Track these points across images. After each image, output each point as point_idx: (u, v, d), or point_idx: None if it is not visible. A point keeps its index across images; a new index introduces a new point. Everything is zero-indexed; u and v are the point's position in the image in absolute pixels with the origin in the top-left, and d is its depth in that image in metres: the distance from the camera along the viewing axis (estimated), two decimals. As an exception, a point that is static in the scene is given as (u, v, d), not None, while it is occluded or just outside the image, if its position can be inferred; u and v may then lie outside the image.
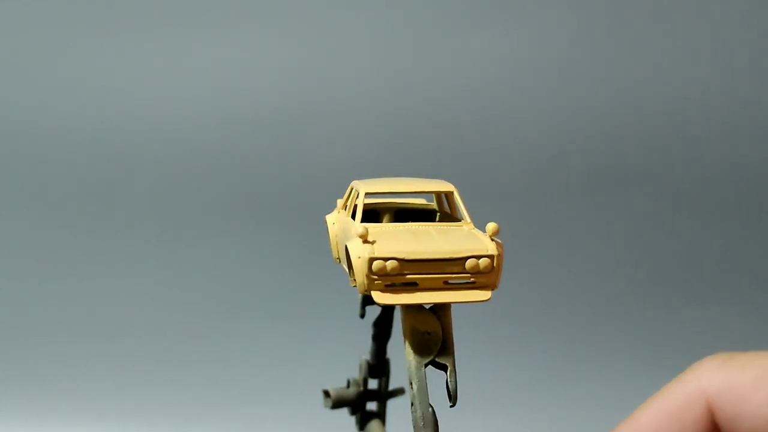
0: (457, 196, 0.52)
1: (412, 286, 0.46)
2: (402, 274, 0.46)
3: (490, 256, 0.46)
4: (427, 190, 0.55)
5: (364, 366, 0.69)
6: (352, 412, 0.70)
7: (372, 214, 0.56)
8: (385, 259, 0.46)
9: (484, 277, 0.46)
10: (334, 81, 1.56)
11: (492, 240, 0.47)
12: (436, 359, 0.47)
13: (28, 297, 1.31)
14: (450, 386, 0.47)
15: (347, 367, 1.19)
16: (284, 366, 1.21)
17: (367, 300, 0.49)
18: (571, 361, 1.13)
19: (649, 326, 1.28)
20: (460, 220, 0.52)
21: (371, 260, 0.46)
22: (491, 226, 0.47)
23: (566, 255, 1.40)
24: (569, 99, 1.56)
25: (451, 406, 0.48)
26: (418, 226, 0.50)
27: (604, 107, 1.55)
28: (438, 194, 0.56)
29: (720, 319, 1.29)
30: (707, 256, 1.41)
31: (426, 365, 0.47)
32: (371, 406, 0.70)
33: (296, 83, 1.57)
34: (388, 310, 0.60)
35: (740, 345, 1.26)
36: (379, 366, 0.68)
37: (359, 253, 0.46)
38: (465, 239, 0.47)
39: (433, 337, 0.47)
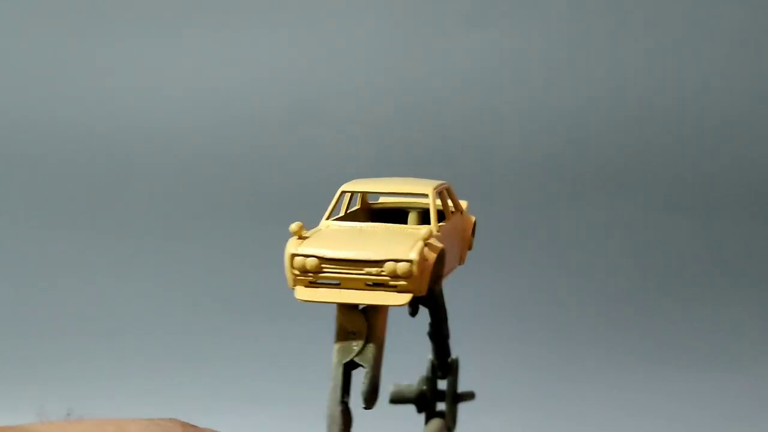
0: (430, 199, 0.52)
1: (335, 285, 0.47)
2: (322, 271, 0.47)
3: (410, 261, 0.45)
4: (406, 191, 0.54)
5: (429, 365, 0.67)
6: (418, 410, 0.67)
7: (400, 213, 0.58)
8: (306, 256, 0.47)
9: (404, 281, 0.46)
10: (330, 81, 1.57)
11: (425, 245, 0.46)
12: (355, 359, 0.47)
13: (25, 295, 1.32)
14: (362, 388, 0.48)
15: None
16: (284, 366, 1.21)
17: (416, 299, 0.50)
18: (569, 361, 1.13)
19: (648, 325, 1.28)
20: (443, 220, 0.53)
21: (293, 256, 0.47)
22: (423, 231, 0.47)
23: (564, 254, 1.40)
24: (565, 98, 1.56)
25: (364, 408, 0.48)
26: (372, 226, 0.51)
27: (601, 107, 1.55)
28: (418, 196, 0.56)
29: (719, 318, 1.29)
30: (705, 256, 1.41)
31: (346, 365, 0.48)
32: (442, 406, 0.68)
33: (295, 83, 1.57)
34: (433, 309, 0.59)
35: (738, 344, 1.27)
36: (442, 366, 0.66)
37: (286, 249, 0.48)
38: (395, 242, 0.47)
39: (357, 337, 0.47)
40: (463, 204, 0.61)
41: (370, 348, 0.48)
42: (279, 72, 1.58)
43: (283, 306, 1.29)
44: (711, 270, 1.39)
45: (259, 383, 1.15)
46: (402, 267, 0.46)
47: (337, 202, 0.54)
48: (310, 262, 0.47)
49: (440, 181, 0.55)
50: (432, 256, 0.47)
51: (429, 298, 0.54)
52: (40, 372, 1.12)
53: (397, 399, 0.65)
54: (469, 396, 0.69)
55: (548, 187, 1.49)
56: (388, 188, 0.55)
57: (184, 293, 1.29)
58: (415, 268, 0.45)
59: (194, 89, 1.58)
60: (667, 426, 1.05)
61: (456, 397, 0.68)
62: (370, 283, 0.46)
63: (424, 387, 0.66)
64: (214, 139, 1.53)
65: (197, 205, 1.45)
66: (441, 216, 0.55)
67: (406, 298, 0.46)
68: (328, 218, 0.53)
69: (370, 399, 0.48)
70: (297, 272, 0.48)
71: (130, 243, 1.41)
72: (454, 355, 0.67)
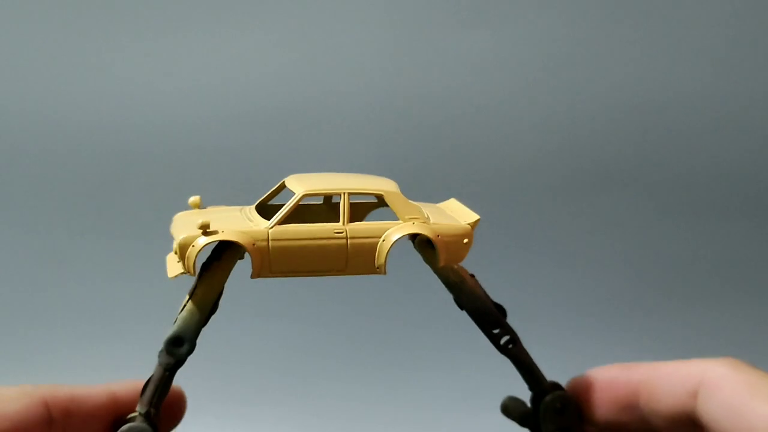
0: (294, 199, 0.56)
1: None
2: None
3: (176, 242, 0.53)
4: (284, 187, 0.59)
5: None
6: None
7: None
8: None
9: (180, 258, 0.53)
10: (328, 81, 1.56)
11: (206, 233, 0.53)
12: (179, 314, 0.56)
13: (27, 294, 1.31)
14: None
15: (338, 367, 1.19)
16: (283, 364, 1.20)
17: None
18: (567, 360, 1.13)
19: (646, 325, 1.28)
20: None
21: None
22: (199, 222, 0.53)
23: (561, 253, 1.40)
24: (562, 99, 1.56)
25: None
26: (249, 215, 0.57)
27: (599, 108, 1.55)
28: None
29: (718, 318, 1.29)
30: (701, 256, 1.41)
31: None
32: None
33: (292, 83, 1.57)
34: (470, 314, 0.60)
35: (736, 344, 1.25)
36: (531, 389, 0.62)
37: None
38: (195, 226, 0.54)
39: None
40: (469, 218, 0.60)
41: (186, 307, 0.56)
42: (278, 71, 1.58)
43: (280, 304, 1.29)
44: (709, 270, 1.39)
45: (257, 383, 1.15)
46: (174, 245, 0.53)
47: (275, 191, 0.59)
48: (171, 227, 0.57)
49: (350, 188, 0.57)
50: (198, 244, 0.52)
51: (459, 301, 0.57)
52: (36, 366, 1.12)
53: (505, 412, 0.64)
54: None
55: (545, 187, 1.49)
56: (299, 189, 0.57)
57: (180, 291, 1.29)
58: (177, 249, 0.53)
59: (192, 88, 1.58)
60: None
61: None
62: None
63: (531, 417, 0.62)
64: (212, 137, 1.53)
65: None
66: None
67: (175, 272, 0.54)
68: (258, 203, 0.59)
69: (166, 346, 0.55)
70: None
71: (128, 238, 1.42)
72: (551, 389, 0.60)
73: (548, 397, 0.60)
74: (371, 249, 0.55)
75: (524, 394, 0.61)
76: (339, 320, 1.27)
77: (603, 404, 0.55)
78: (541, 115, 1.55)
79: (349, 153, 1.48)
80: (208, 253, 0.54)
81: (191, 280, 0.55)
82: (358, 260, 0.55)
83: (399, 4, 1.59)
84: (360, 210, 0.59)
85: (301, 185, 0.56)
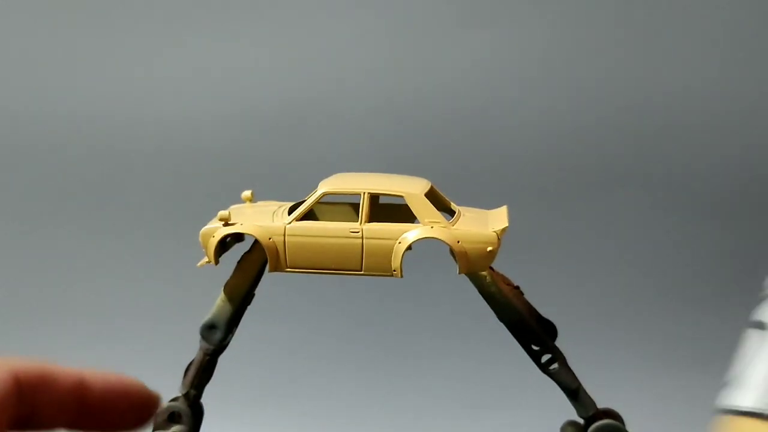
0: (311, 198, 0.58)
1: None
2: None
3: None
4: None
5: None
6: None
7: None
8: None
9: None
10: (328, 81, 1.57)
11: (226, 224, 0.56)
12: None
13: (23, 289, 1.32)
14: None
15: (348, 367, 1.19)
16: (283, 365, 1.21)
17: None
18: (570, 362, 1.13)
19: (648, 327, 1.28)
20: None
21: None
22: (219, 214, 0.57)
23: (563, 254, 1.40)
24: (563, 99, 1.56)
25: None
26: (280, 210, 0.60)
27: (599, 108, 1.56)
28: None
29: (719, 319, 1.29)
30: (705, 256, 1.41)
31: None
32: None
33: (294, 82, 1.58)
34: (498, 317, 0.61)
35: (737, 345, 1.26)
36: (576, 408, 0.63)
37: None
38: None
39: None
40: (499, 225, 0.59)
41: (220, 296, 0.60)
42: (278, 71, 1.59)
43: (280, 303, 1.29)
44: (711, 271, 1.39)
45: (258, 383, 1.16)
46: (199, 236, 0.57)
47: (316, 200, 0.59)
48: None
49: (370, 188, 0.58)
50: (217, 235, 0.57)
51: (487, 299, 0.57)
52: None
53: None
54: None
55: (546, 186, 1.49)
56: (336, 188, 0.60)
57: (181, 291, 1.29)
58: (203, 243, 0.58)
59: (192, 87, 1.58)
60: (666, 425, 1.06)
61: None
62: None
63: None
64: (211, 137, 1.54)
65: (194, 201, 1.45)
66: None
67: (201, 262, 0.58)
68: (297, 202, 0.60)
69: (201, 331, 0.60)
70: None
71: (128, 239, 1.42)
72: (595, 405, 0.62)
73: (593, 427, 0.60)
74: (387, 250, 0.56)
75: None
76: (341, 322, 1.28)
77: None
78: (541, 115, 1.55)
79: (350, 153, 1.48)
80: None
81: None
82: (373, 261, 0.56)
83: (403, 5, 1.60)
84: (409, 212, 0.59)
85: (325, 184, 0.58)
